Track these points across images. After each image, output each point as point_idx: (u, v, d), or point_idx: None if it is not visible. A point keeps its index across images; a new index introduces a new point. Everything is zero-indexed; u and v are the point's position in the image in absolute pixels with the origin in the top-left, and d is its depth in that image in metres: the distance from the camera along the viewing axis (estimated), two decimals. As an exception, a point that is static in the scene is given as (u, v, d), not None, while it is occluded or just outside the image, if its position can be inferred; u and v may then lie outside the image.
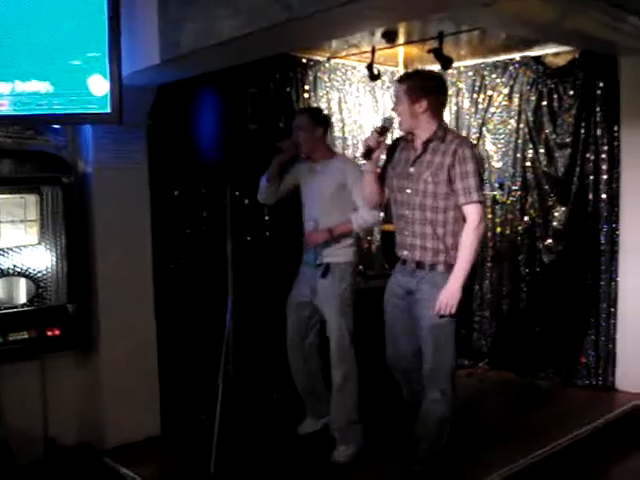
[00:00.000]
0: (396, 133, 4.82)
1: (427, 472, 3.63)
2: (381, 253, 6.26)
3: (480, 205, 3.45)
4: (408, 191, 3.57)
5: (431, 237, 3.53)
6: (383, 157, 3.76)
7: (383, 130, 3.60)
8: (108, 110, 3.79)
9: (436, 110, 3.56)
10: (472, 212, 3.43)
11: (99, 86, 3.77)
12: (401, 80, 3.68)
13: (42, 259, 4.08)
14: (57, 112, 3.79)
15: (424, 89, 3.52)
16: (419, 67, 6.34)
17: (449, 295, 3.43)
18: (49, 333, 4.09)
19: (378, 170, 3.75)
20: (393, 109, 3.70)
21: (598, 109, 5.32)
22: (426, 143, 3.53)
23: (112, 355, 4.38)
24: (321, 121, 4.38)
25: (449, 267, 3.49)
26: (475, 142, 6.07)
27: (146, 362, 4.53)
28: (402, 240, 3.67)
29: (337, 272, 4.22)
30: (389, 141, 4.03)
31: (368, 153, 3.60)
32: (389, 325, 3.79)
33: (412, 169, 3.57)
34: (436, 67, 5.44)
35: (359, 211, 4.15)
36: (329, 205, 4.23)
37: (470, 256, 3.43)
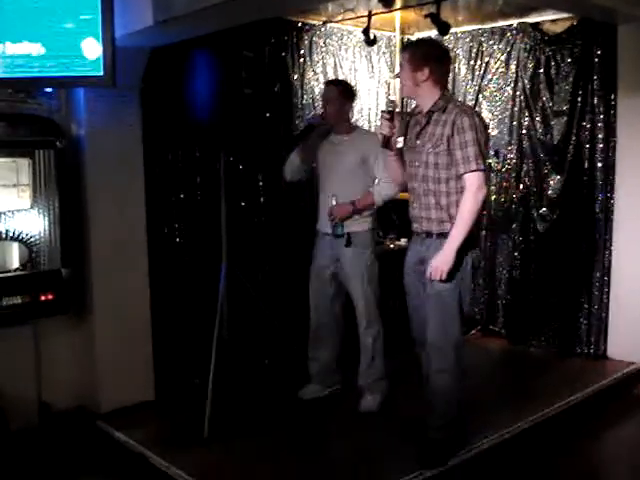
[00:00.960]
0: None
1: (441, 439, 3.71)
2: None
3: (480, 173, 3.42)
4: (416, 164, 3.60)
5: (434, 207, 3.55)
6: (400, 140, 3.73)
7: (391, 114, 3.57)
8: (101, 73, 3.76)
9: (438, 78, 3.56)
10: (471, 180, 3.42)
11: (92, 49, 3.73)
12: (404, 48, 3.76)
13: (35, 223, 4.07)
14: (49, 75, 3.76)
15: (426, 57, 3.52)
16: (417, 33, 6.31)
17: (441, 260, 3.44)
18: (42, 298, 4.10)
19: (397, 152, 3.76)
20: (397, 76, 3.70)
21: (595, 77, 5.28)
22: (428, 114, 3.56)
23: (106, 320, 4.39)
24: (350, 94, 4.43)
25: None
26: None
27: (140, 327, 4.54)
28: (412, 213, 3.71)
29: (359, 241, 4.31)
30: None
31: (386, 142, 3.63)
32: (409, 298, 3.84)
33: (418, 141, 3.60)
34: (433, 33, 5.40)
35: (379, 184, 4.25)
36: (349, 179, 4.30)
37: (466, 223, 3.42)
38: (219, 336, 4.21)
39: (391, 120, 3.57)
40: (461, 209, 3.44)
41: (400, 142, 3.68)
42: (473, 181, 3.42)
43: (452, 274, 3.48)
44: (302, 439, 4.13)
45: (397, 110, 3.71)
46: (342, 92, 4.35)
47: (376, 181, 4.29)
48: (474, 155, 3.40)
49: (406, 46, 3.78)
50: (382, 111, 3.66)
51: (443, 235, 3.52)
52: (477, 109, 6.01)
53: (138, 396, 4.52)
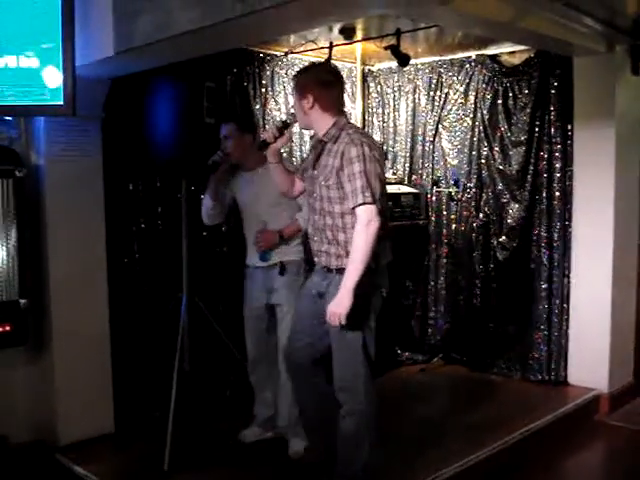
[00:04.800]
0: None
1: None
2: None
3: (368, 206, 3.16)
4: (314, 195, 3.41)
5: (333, 243, 3.34)
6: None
7: (284, 125, 3.46)
8: (61, 102, 3.74)
9: (327, 105, 3.33)
10: (359, 214, 3.17)
11: (53, 78, 3.72)
12: (294, 76, 3.55)
13: (-8, 253, 4.01)
14: (9, 103, 3.73)
15: (309, 84, 3.32)
16: (378, 64, 6.39)
17: (336, 303, 3.17)
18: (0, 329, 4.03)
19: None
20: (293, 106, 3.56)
21: (552, 108, 5.39)
22: (322, 144, 3.36)
23: (65, 351, 4.32)
24: (249, 128, 4.34)
25: None
26: (432, 139, 6.12)
27: (99, 358, 4.49)
28: (312, 246, 3.52)
29: (293, 269, 4.22)
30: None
31: (263, 145, 3.49)
32: (295, 320, 3.65)
33: (315, 172, 3.40)
34: (394, 64, 5.47)
35: (303, 209, 4.10)
36: (277, 207, 4.18)
37: (360, 260, 3.15)
38: (180, 368, 4.17)
39: (280, 131, 3.43)
40: (353, 246, 3.18)
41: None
42: (362, 215, 3.16)
43: (357, 319, 3.24)
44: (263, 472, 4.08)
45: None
46: (237, 128, 4.25)
47: (302, 207, 4.13)
48: (361, 188, 3.15)
49: (295, 74, 3.59)
50: (279, 120, 3.54)
51: (340, 271, 3.27)
52: (437, 139, 6.10)
53: (98, 429, 4.45)
